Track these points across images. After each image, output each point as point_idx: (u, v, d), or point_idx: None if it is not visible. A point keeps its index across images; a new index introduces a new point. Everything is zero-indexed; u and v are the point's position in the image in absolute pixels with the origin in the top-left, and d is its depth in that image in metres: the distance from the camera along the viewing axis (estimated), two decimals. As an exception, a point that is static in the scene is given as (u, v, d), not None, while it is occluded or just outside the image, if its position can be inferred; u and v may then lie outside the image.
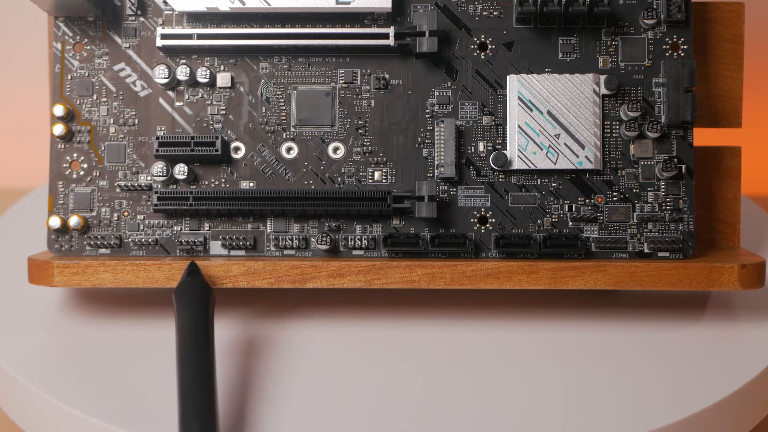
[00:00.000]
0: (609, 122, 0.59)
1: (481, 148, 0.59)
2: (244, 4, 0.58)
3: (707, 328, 0.59)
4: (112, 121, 0.60)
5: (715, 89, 0.61)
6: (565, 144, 0.59)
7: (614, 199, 0.59)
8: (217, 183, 0.60)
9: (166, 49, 0.59)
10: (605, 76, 0.59)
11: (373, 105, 0.60)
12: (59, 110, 0.59)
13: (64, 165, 0.60)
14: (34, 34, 0.82)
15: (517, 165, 0.59)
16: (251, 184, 0.59)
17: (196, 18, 0.60)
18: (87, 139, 0.60)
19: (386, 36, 0.58)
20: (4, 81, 0.92)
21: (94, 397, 0.54)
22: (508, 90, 0.59)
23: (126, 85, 0.60)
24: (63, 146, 0.60)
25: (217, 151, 0.58)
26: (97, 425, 0.52)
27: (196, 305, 0.52)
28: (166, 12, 0.60)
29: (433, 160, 0.59)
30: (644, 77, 0.59)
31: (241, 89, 0.60)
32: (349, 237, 0.59)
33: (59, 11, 0.59)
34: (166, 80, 0.59)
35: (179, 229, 0.59)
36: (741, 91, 0.61)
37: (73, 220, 0.59)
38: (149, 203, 0.59)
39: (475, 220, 0.59)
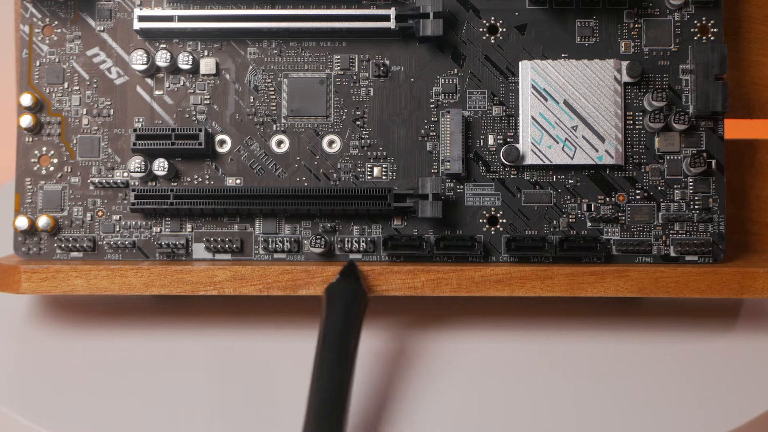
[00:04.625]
0: (631, 113, 0.58)
1: (490, 141, 0.59)
2: (229, -18, 0.58)
3: (740, 340, 0.59)
4: (85, 112, 0.59)
5: (748, 77, 0.61)
6: (583, 137, 0.58)
7: (637, 197, 0.58)
8: (200, 180, 0.59)
9: (144, 33, 0.59)
10: (627, 62, 0.58)
11: (372, 94, 0.59)
12: (27, 99, 0.59)
13: (32, 160, 0.59)
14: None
15: (530, 160, 0.58)
16: (238, 181, 0.59)
17: (178, -2, 0.59)
18: (57, 132, 0.59)
19: (386, 18, 0.58)
20: (-36, 68, 0.94)
21: (65, 417, 0.54)
22: (520, 77, 0.59)
23: (100, 72, 0.59)
24: (31, 139, 0.59)
25: (200, 144, 0.58)
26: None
27: (347, 309, 0.53)
28: (145, -8, 0.60)
29: (438, 154, 0.59)
30: (670, 63, 0.59)
31: (227, 77, 0.59)
32: (346, 239, 0.58)
33: (27, -10, 0.59)
34: (144, 67, 0.58)
35: (159, 230, 0.59)
36: (776, 78, 0.61)
37: (42, 221, 0.58)
38: (126, 202, 0.59)
39: (485, 221, 0.58)
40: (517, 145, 0.58)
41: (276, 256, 0.58)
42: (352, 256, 0.58)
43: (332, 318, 0.52)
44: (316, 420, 0.48)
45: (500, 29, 0.59)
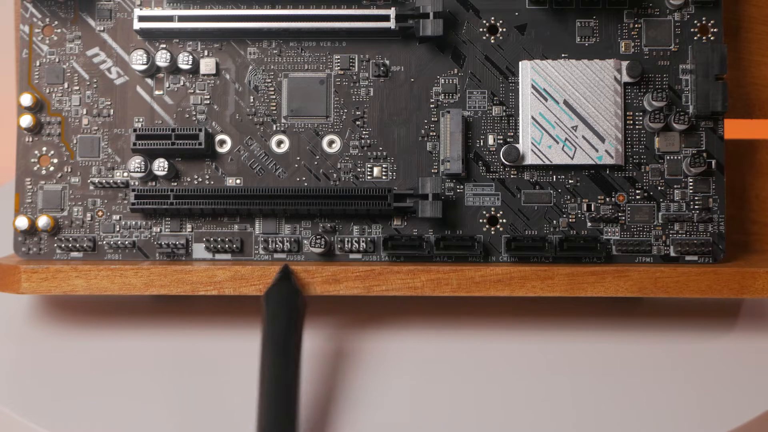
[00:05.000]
0: (631, 113, 0.58)
1: (490, 141, 0.59)
2: (229, -18, 0.58)
3: (739, 340, 0.58)
4: (85, 112, 0.59)
5: (748, 76, 0.61)
6: (583, 137, 0.58)
7: (637, 197, 0.58)
8: (200, 180, 0.59)
9: (144, 33, 0.59)
10: (627, 62, 0.58)
11: (372, 94, 0.59)
12: (27, 99, 0.58)
13: (32, 160, 0.59)
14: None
15: (530, 160, 0.58)
16: (238, 181, 0.59)
17: (178, -2, 0.59)
18: (57, 132, 0.59)
19: (386, 18, 0.58)
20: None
21: (65, 417, 0.54)
22: (520, 77, 0.58)
23: (100, 72, 0.59)
24: (31, 139, 0.59)
25: (200, 144, 0.58)
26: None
27: (286, 312, 0.52)
28: (145, -8, 0.60)
29: (438, 154, 0.58)
30: (670, 63, 0.59)
31: (227, 77, 0.59)
32: (346, 239, 0.58)
33: (27, -10, 0.59)
34: (144, 67, 0.58)
35: (159, 230, 0.59)
36: (776, 78, 0.61)
37: (42, 221, 0.58)
38: (126, 202, 0.59)
39: (485, 221, 0.58)
40: (517, 145, 0.58)
41: (276, 256, 0.58)
42: (352, 256, 0.58)
43: (270, 321, 0.52)
44: (265, 422, 0.48)
45: (500, 29, 0.59)
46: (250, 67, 0.59)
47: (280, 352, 0.50)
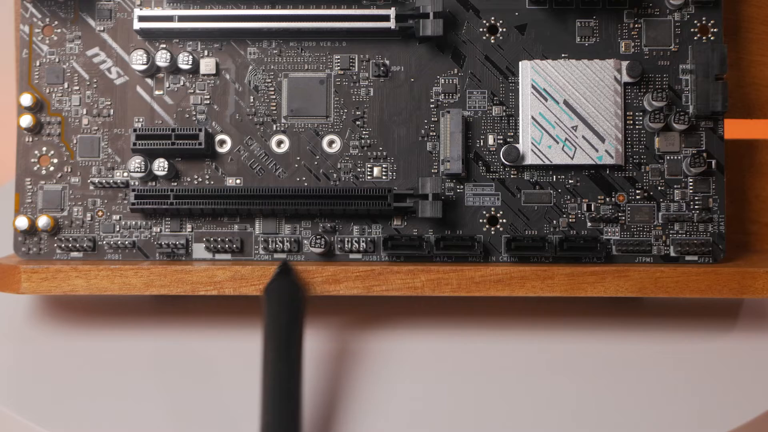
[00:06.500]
0: (631, 113, 0.58)
1: (490, 141, 0.58)
2: (229, -18, 0.58)
3: (739, 340, 0.58)
4: (85, 112, 0.59)
5: (748, 77, 0.61)
6: (583, 137, 0.58)
7: (637, 197, 0.58)
8: (200, 180, 0.59)
9: (144, 33, 0.59)
10: (627, 62, 0.58)
11: (372, 94, 0.59)
12: (27, 99, 0.58)
13: (32, 160, 0.59)
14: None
15: (530, 160, 0.58)
16: (238, 181, 0.59)
17: (178, -2, 0.59)
18: (57, 132, 0.59)
19: (386, 18, 0.57)
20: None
21: (65, 416, 0.54)
22: (520, 77, 0.58)
23: (100, 72, 0.59)
24: (31, 139, 0.59)
25: (200, 144, 0.57)
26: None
27: (286, 306, 0.52)
28: (145, -8, 0.60)
29: (438, 154, 0.58)
30: (670, 63, 0.58)
31: (227, 77, 0.59)
32: (346, 239, 0.58)
33: (27, -10, 0.59)
34: (144, 67, 0.58)
35: (159, 230, 0.59)
36: (776, 78, 0.61)
37: (42, 221, 0.58)
38: (126, 202, 0.59)
39: (485, 221, 0.58)
40: (517, 145, 0.58)
41: (276, 256, 0.58)
42: (352, 256, 0.58)
43: (270, 316, 0.52)
44: (269, 418, 0.48)
45: (500, 29, 0.58)
46: (250, 67, 0.59)
47: (281, 347, 0.50)
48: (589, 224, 0.58)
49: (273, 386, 0.49)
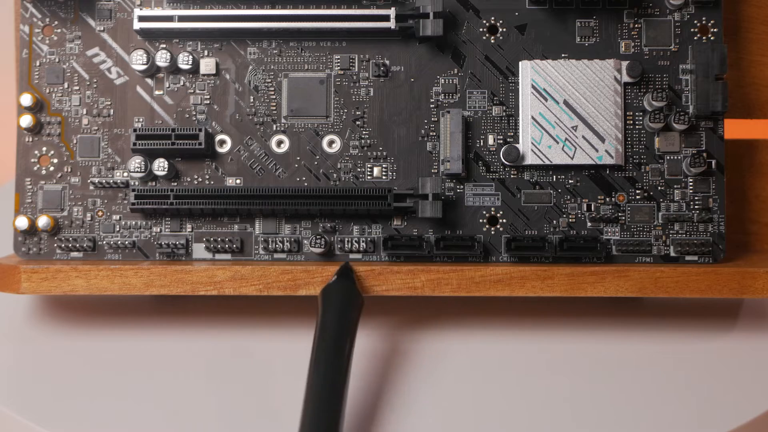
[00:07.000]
0: (631, 113, 0.58)
1: (490, 141, 0.58)
2: (229, -18, 0.58)
3: (739, 340, 0.58)
4: (85, 112, 0.59)
5: (748, 77, 0.61)
6: (583, 137, 0.58)
7: (637, 197, 0.58)
8: (200, 180, 0.59)
9: (144, 33, 0.59)
10: (627, 62, 0.58)
11: (372, 94, 0.59)
12: (27, 99, 0.58)
13: (32, 160, 0.59)
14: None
15: (530, 160, 0.58)
16: (238, 181, 0.59)
17: (178, -2, 0.59)
18: (57, 132, 0.59)
19: (386, 18, 0.57)
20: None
21: (65, 417, 0.54)
22: (520, 77, 0.58)
23: (100, 72, 0.59)
24: (31, 139, 0.59)
25: (200, 144, 0.57)
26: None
27: (344, 312, 0.53)
28: (145, -8, 0.60)
29: (438, 154, 0.58)
30: (670, 63, 0.58)
31: (227, 77, 0.59)
32: (346, 239, 0.58)
33: (27, -10, 0.59)
34: (144, 67, 0.58)
35: (159, 230, 0.58)
36: (776, 78, 0.61)
37: (42, 221, 0.58)
38: (126, 202, 0.59)
39: (485, 221, 0.58)
40: (517, 145, 0.57)
41: (276, 256, 0.58)
42: (352, 256, 0.58)
43: (328, 319, 0.52)
44: (312, 421, 0.48)
45: (500, 29, 0.58)
46: (250, 67, 0.59)
47: (333, 353, 0.51)
48: (589, 224, 0.58)
49: (319, 384, 0.49)
